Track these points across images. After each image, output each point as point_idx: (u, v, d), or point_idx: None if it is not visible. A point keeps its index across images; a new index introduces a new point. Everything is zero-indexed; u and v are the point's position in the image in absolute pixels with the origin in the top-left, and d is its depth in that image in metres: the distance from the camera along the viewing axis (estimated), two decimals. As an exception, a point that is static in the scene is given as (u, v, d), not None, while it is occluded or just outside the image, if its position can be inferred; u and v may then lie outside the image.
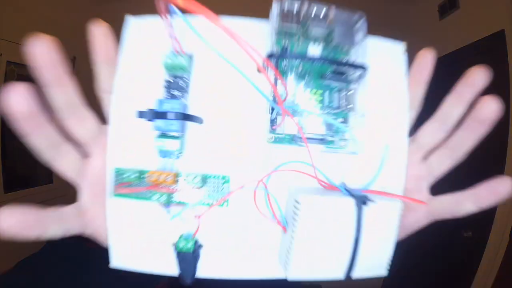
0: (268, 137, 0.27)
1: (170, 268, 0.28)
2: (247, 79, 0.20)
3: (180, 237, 0.27)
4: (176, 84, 0.28)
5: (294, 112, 0.28)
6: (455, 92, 0.30)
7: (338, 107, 0.29)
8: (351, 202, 0.25)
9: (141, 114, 0.25)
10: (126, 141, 0.28)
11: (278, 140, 0.28)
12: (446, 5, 1.03)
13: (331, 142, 0.29)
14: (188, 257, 0.26)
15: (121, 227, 0.28)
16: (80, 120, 0.26)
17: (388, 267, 0.27)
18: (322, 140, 0.28)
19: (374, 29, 0.30)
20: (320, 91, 0.28)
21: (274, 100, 0.27)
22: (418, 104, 0.32)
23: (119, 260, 0.28)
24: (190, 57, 0.28)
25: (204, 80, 0.28)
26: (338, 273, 0.26)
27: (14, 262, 0.91)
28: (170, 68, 0.27)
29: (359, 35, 0.28)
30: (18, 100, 0.20)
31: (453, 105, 0.30)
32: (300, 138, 0.27)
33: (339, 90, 0.29)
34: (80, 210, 0.27)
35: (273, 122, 0.27)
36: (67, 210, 0.26)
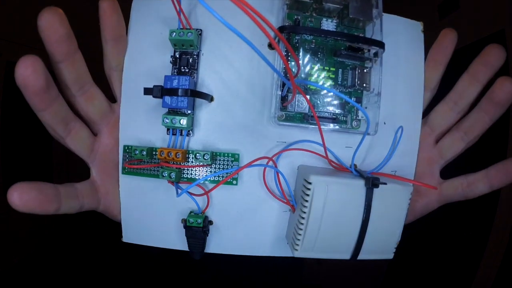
0: (279, 115, 0.27)
1: (179, 243, 0.28)
2: (258, 53, 0.19)
3: (190, 212, 0.28)
4: (184, 61, 0.27)
5: (305, 90, 0.27)
6: (470, 71, 0.29)
7: (353, 86, 0.28)
8: (361, 184, 0.25)
9: (148, 91, 0.24)
10: (136, 119, 0.28)
11: (289, 119, 0.27)
12: (446, 5, 1.04)
13: (344, 121, 0.28)
14: (197, 232, 0.27)
15: (133, 203, 0.28)
16: (89, 98, 0.26)
17: (394, 251, 0.27)
18: (334, 120, 0.28)
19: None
20: (333, 69, 0.27)
21: (286, 75, 0.26)
22: (434, 86, 0.30)
23: (130, 235, 0.29)
24: (199, 33, 0.27)
25: (214, 57, 0.28)
26: (344, 254, 0.26)
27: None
28: (178, 44, 0.26)
29: (375, 10, 0.27)
30: (28, 73, 0.20)
31: (467, 85, 0.29)
32: (312, 116, 0.27)
33: (353, 68, 0.28)
34: (92, 186, 0.28)
35: (284, 99, 0.27)
36: (81, 186, 0.27)
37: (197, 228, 0.27)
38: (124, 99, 0.28)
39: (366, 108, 0.28)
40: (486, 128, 0.29)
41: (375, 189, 0.25)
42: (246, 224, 0.29)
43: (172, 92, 0.24)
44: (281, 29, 0.25)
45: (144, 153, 0.26)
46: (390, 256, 0.27)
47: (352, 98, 0.28)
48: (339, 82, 0.28)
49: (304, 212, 0.25)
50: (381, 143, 0.30)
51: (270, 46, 0.27)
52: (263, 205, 0.29)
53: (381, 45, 0.26)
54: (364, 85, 0.28)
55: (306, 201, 0.25)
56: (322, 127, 0.26)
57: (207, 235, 0.28)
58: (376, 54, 0.27)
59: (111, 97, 0.29)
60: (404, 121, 0.30)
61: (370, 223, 0.25)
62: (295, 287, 0.46)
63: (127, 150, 0.28)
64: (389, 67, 0.29)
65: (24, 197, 0.21)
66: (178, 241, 0.29)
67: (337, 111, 0.28)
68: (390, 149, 0.29)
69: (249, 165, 0.26)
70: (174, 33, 0.26)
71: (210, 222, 0.29)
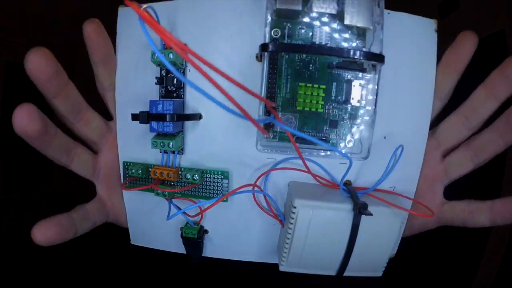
0: (261, 146, 0.26)
1: (180, 247, 0.31)
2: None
3: (186, 223, 0.30)
4: (170, 80, 0.27)
5: (293, 108, 0.26)
6: (487, 84, 0.25)
7: (346, 101, 0.26)
8: (348, 208, 0.24)
9: (135, 117, 0.25)
10: (132, 137, 0.29)
11: (277, 139, 0.27)
12: (446, 5, 1.03)
13: (335, 142, 0.27)
14: (193, 241, 0.29)
15: (137, 212, 0.31)
16: (86, 122, 0.27)
17: (383, 269, 0.27)
18: (325, 140, 0.26)
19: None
20: (323, 86, 0.25)
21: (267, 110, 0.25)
22: (445, 95, 0.27)
23: (137, 239, 0.32)
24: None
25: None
26: (329, 271, 0.27)
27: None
28: (161, 64, 0.26)
29: (375, 15, 0.24)
30: (25, 123, 0.21)
31: (483, 99, 0.25)
32: (301, 138, 0.26)
33: (349, 82, 0.25)
34: (100, 203, 0.30)
35: (268, 125, 0.26)
36: (90, 206, 0.29)
37: (192, 238, 0.29)
38: (119, 119, 0.29)
39: (361, 127, 0.26)
40: (499, 152, 0.26)
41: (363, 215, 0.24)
42: (239, 234, 0.31)
43: (158, 117, 0.25)
44: (263, 47, 0.23)
45: (140, 171, 0.28)
46: (379, 274, 0.27)
47: (347, 114, 0.26)
48: (332, 98, 0.26)
49: (289, 232, 0.25)
50: (380, 157, 0.27)
51: (258, 57, 0.26)
52: (255, 218, 0.30)
53: (379, 58, 0.23)
54: (358, 101, 0.25)
55: (291, 223, 0.25)
56: (311, 151, 0.26)
57: (202, 244, 0.30)
58: (374, 66, 0.24)
59: (108, 114, 0.30)
60: (408, 132, 0.27)
61: (357, 244, 0.25)
62: (295, 287, 0.46)
63: (127, 166, 0.30)
64: (396, 71, 0.26)
65: (46, 234, 0.24)
66: (179, 245, 0.31)
67: (329, 130, 0.26)
68: (387, 169, 0.27)
69: (235, 192, 0.27)
70: (155, 54, 0.25)
71: (206, 231, 0.31)
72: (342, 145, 0.27)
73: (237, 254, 0.32)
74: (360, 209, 0.23)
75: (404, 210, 0.24)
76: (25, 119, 0.21)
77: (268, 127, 0.26)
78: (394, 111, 0.27)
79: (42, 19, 0.96)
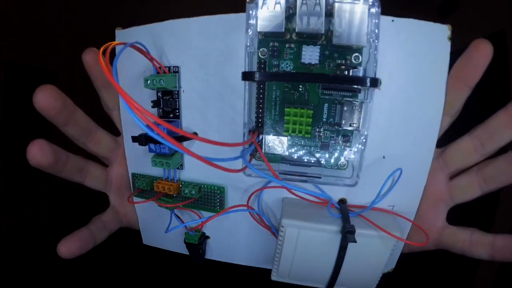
0: (247, 174, 0.27)
1: (186, 249, 0.33)
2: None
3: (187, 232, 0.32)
4: (166, 102, 0.28)
5: (280, 127, 0.26)
6: (510, 110, 0.22)
7: (338, 124, 0.24)
8: (336, 230, 0.24)
9: (135, 139, 0.27)
10: (138, 152, 0.31)
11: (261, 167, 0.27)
12: (446, 5, 1.02)
13: (327, 164, 0.26)
14: (194, 247, 0.32)
15: (147, 217, 0.34)
16: (96, 141, 0.30)
17: (375, 286, 0.27)
18: (317, 161, 0.26)
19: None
20: (310, 111, 0.24)
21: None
22: (455, 111, 0.25)
23: (148, 239, 0.35)
24: (175, 70, 0.27)
25: (193, 92, 0.28)
26: (319, 284, 0.28)
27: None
28: (155, 88, 0.27)
29: (370, 31, 0.21)
30: (38, 157, 0.24)
31: (503, 126, 0.23)
32: (290, 161, 0.26)
33: (341, 103, 0.24)
34: (114, 212, 0.33)
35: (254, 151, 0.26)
36: (105, 217, 0.32)
37: (194, 244, 0.31)
38: (126, 136, 0.31)
39: (353, 149, 0.25)
40: (510, 183, 0.23)
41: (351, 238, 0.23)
42: (238, 240, 0.32)
43: (155, 140, 0.26)
44: (245, 76, 0.23)
45: (144, 184, 0.31)
46: None
47: (340, 136, 0.25)
48: (324, 120, 0.25)
49: (279, 248, 0.26)
50: (382, 176, 0.26)
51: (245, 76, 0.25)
52: (253, 227, 0.31)
53: (373, 83, 0.21)
54: (351, 124, 0.24)
55: (280, 239, 0.26)
56: (301, 178, 0.26)
57: (204, 249, 0.33)
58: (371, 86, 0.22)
59: (115, 128, 0.32)
60: (413, 150, 0.26)
61: (346, 264, 0.25)
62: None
63: (135, 178, 0.32)
64: (401, 84, 0.24)
65: (70, 249, 0.27)
66: (185, 247, 0.33)
67: (320, 152, 0.26)
68: (380, 192, 0.26)
69: (227, 211, 0.29)
70: (148, 81, 0.26)
71: (207, 237, 0.33)
72: (336, 167, 0.26)
73: (236, 259, 0.33)
74: (346, 234, 0.23)
75: (398, 239, 0.24)
76: (38, 154, 0.24)
77: (254, 152, 0.26)
78: (398, 128, 0.25)
79: (42, 19, 0.95)
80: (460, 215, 0.28)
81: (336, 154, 0.25)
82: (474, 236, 0.26)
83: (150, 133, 0.17)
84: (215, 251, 0.34)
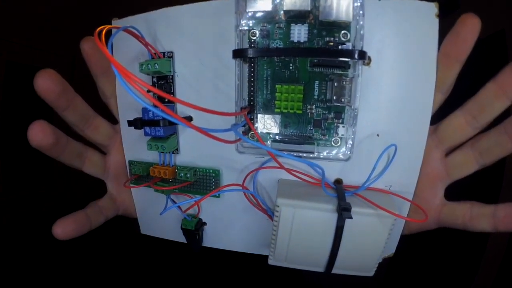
0: (240, 151, 0.27)
1: (182, 236, 0.33)
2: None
3: (184, 217, 0.32)
4: (161, 87, 0.29)
5: (271, 108, 0.26)
6: (498, 80, 0.22)
7: (330, 100, 0.24)
8: (332, 208, 0.24)
9: (130, 123, 0.28)
10: (134, 139, 0.32)
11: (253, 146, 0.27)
12: (446, 5, 1.03)
13: (320, 141, 0.26)
14: (191, 233, 0.32)
15: (145, 205, 0.34)
16: (95, 129, 0.30)
17: (375, 269, 0.26)
18: (309, 138, 0.26)
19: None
20: (300, 88, 0.24)
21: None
22: (447, 87, 0.25)
23: (146, 228, 0.36)
24: (169, 55, 0.28)
25: (188, 76, 0.28)
26: (317, 268, 0.27)
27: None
28: (150, 73, 0.28)
29: (356, 6, 0.22)
30: (39, 138, 0.24)
31: (492, 97, 0.23)
32: (282, 140, 0.26)
33: (331, 79, 0.24)
34: (111, 199, 0.34)
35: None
36: (102, 203, 0.33)
37: (190, 230, 0.31)
38: (122, 124, 0.32)
39: (346, 126, 0.25)
40: (506, 154, 0.23)
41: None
42: (234, 226, 0.32)
43: (150, 123, 0.27)
44: (235, 53, 0.24)
45: (141, 170, 0.31)
46: (370, 274, 0.27)
47: (332, 113, 0.25)
48: (315, 97, 0.25)
49: (275, 229, 0.26)
50: (377, 155, 0.26)
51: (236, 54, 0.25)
52: (249, 211, 0.31)
53: (361, 55, 0.22)
54: (342, 99, 0.24)
55: (276, 220, 0.25)
56: (294, 155, 0.26)
57: (200, 235, 0.33)
58: (360, 61, 0.23)
59: (113, 116, 0.33)
60: (407, 128, 0.26)
61: (343, 244, 0.25)
62: (295, 287, 0.46)
63: (132, 164, 0.33)
64: (393, 62, 0.25)
65: (65, 230, 0.28)
66: (182, 235, 0.33)
67: (313, 129, 0.26)
68: (373, 169, 0.26)
69: (222, 189, 0.29)
70: (143, 66, 0.27)
71: (204, 224, 0.33)
72: (329, 144, 0.26)
73: (233, 245, 0.33)
74: (341, 211, 0.23)
75: (396, 215, 0.23)
76: (39, 135, 0.24)
77: (247, 130, 0.27)
78: (391, 106, 0.25)
79: (42, 19, 0.96)
80: (463, 192, 0.27)
81: (329, 131, 0.26)
82: (474, 209, 0.25)
83: (145, 105, 0.17)
84: (211, 238, 0.34)
